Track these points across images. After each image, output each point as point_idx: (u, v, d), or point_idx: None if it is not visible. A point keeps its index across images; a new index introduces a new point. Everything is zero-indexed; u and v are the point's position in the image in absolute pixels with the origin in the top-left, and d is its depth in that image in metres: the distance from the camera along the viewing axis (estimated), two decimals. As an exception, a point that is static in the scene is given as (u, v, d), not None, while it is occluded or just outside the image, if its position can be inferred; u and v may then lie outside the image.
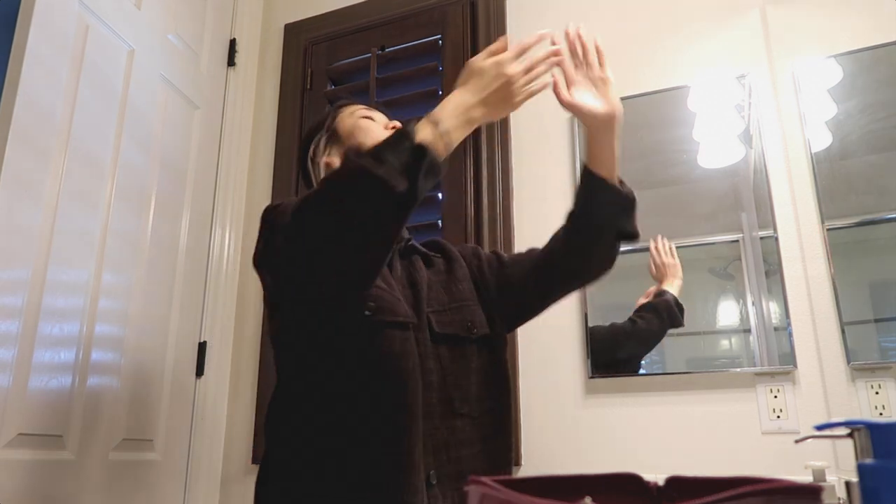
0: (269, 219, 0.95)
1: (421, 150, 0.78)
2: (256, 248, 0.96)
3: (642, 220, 1.03)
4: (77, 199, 1.38)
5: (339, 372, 0.89)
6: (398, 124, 1.10)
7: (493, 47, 0.89)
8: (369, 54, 1.91)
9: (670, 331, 1.43)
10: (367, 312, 0.89)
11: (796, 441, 0.96)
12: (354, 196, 0.77)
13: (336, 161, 1.09)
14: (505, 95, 0.87)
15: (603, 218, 1.00)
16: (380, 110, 1.16)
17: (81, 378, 1.36)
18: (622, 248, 1.05)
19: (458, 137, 0.84)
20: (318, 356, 0.91)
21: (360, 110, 1.13)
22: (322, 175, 1.11)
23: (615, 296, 1.49)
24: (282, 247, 0.87)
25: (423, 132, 0.80)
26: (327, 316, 0.91)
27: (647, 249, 1.48)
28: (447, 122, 0.82)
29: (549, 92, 0.95)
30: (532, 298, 1.10)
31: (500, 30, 1.78)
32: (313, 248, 0.81)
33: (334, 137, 1.11)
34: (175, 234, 1.70)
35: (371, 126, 1.09)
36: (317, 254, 0.81)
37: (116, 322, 1.47)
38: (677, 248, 1.46)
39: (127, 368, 1.49)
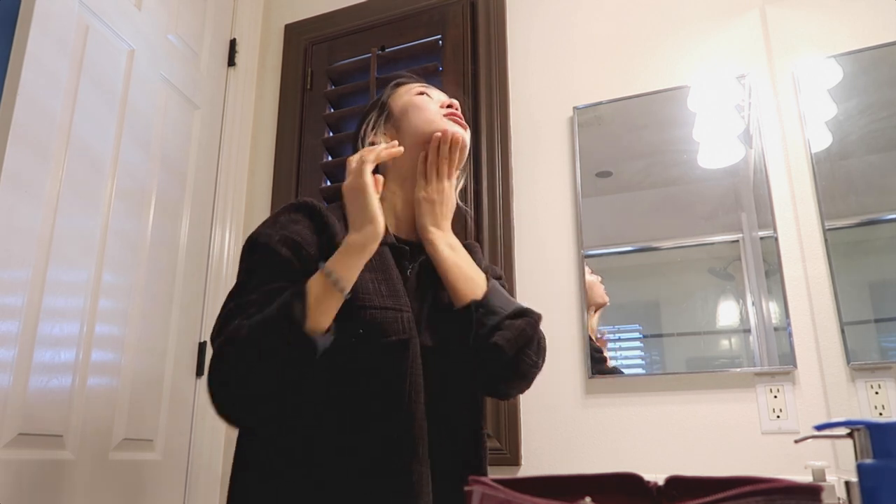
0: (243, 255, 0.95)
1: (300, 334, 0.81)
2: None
3: (643, 219, 1.02)
4: (77, 199, 1.38)
5: (332, 388, 0.88)
6: (455, 102, 1.10)
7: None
8: (369, 54, 1.90)
9: (670, 331, 1.43)
10: (353, 339, 0.88)
11: (796, 441, 0.96)
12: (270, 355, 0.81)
13: (381, 140, 1.06)
14: (356, 204, 0.88)
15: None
16: (440, 88, 1.16)
17: (81, 378, 1.36)
18: (622, 249, 1.02)
19: (348, 276, 0.85)
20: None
21: (416, 87, 1.12)
22: None
23: (614, 296, 1.49)
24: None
25: (315, 286, 0.83)
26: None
27: (645, 250, 1.48)
28: (335, 271, 0.84)
29: (547, 92, 0.95)
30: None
31: (501, 30, 1.78)
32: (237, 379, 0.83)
33: (387, 115, 1.11)
34: (175, 234, 1.70)
35: (424, 104, 1.08)
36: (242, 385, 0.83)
37: (116, 322, 1.47)
38: (677, 248, 1.47)
39: (127, 368, 1.48)
